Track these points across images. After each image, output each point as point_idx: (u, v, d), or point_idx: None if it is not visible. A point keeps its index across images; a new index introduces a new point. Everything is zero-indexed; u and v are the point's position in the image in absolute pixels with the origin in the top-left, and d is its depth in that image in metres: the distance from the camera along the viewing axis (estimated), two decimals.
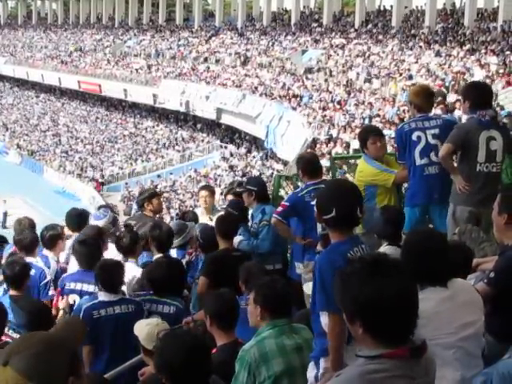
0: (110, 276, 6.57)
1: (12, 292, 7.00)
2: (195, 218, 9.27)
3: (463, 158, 6.90)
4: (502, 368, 3.51)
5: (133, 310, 6.55)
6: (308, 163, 7.58)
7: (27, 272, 7.06)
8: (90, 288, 7.10)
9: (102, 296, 6.59)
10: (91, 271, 6.91)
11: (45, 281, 7.57)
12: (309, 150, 26.54)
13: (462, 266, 4.93)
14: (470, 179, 6.84)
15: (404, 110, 28.03)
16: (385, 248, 6.20)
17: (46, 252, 8.10)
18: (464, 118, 7.72)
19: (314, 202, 4.80)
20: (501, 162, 6.93)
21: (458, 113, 23.79)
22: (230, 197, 9.37)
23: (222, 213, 8.62)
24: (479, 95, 7.06)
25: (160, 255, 7.67)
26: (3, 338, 6.52)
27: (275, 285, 4.88)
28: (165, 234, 7.83)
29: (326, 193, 4.66)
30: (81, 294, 7.16)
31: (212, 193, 9.78)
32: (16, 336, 6.47)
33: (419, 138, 7.22)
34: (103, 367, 6.37)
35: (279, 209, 7.52)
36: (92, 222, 8.57)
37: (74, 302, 7.17)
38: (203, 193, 9.78)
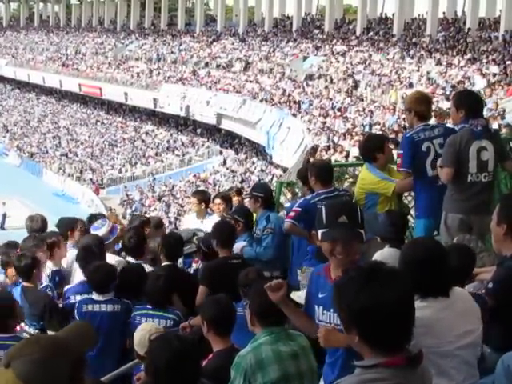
0: (100, 279, 6.94)
1: (24, 283, 7.19)
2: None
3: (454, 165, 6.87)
4: (508, 360, 3.52)
5: (119, 310, 6.94)
6: (322, 171, 7.49)
7: (35, 264, 7.17)
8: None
9: (94, 295, 6.99)
10: None
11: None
12: (317, 157, 26.49)
13: (467, 269, 4.90)
14: (461, 188, 6.85)
15: (404, 118, 28.03)
16: (387, 250, 6.20)
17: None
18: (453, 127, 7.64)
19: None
20: (492, 170, 6.92)
21: None
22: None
23: (219, 219, 8.59)
24: (474, 104, 7.05)
25: (168, 263, 7.63)
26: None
27: (267, 293, 4.86)
28: (174, 242, 7.78)
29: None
30: None
31: (201, 199, 9.77)
32: (23, 326, 6.82)
33: (429, 148, 7.16)
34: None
35: (291, 214, 7.39)
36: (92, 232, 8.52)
37: None
38: (192, 199, 9.96)
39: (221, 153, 49.21)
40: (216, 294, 5.81)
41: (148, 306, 6.84)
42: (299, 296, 6.69)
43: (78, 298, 7.21)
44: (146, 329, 5.71)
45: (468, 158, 6.76)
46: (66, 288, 7.60)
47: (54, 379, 2.59)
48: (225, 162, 46.90)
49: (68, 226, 8.74)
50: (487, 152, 6.80)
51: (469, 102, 7.02)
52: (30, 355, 2.59)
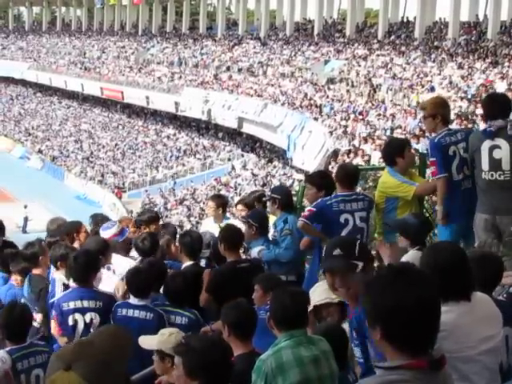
0: (138, 282, 6.79)
1: (33, 271, 7.46)
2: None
3: (474, 167, 7.09)
4: None
5: (151, 319, 6.67)
6: (351, 174, 7.53)
7: (41, 252, 7.51)
8: (91, 304, 6.91)
9: (131, 298, 6.83)
10: (87, 287, 6.95)
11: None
12: (347, 161, 26.50)
13: (495, 277, 4.87)
14: (482, 188, 6.98)
15: None
16: (414, 253, 6.16)
17: (55, 274, 7.53)
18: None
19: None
20: (510, 170, 6.90)
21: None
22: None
23: (228, 223, 8.59)
24: (492, 106, 7.13)
25: (190, 263, 7.70)
26: None
27: (285, 299, 4.84)
28: (195, 240, 7.83)
29: None
30: (83, 311, 6.89)
31: (219, 203, 9.78)
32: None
33: (454, 152, 7.20)
34: None
35: (306, 213, 7.40)
36: (101, 233, 8.48)
37: (91, 319, 6.91)
38: (210, 203, 9.96)
39: (229, 159, 49.23)
40: (224, 299, 5.81)
41: (166, 302, 6.90)
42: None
43: (72, 305, 6.86)
44: (172, 332, 5.71)
45: (480, 156, 6.90)
46: (58, 297, 7.06)
47: (115, 378, 2.62)
48: (244, 166, 46.88)
49: (72, 229, 8.59)
50: (500, 150, 6.84)
51: (487, 105, 7.20)
52: (90, 358, 2.61)
